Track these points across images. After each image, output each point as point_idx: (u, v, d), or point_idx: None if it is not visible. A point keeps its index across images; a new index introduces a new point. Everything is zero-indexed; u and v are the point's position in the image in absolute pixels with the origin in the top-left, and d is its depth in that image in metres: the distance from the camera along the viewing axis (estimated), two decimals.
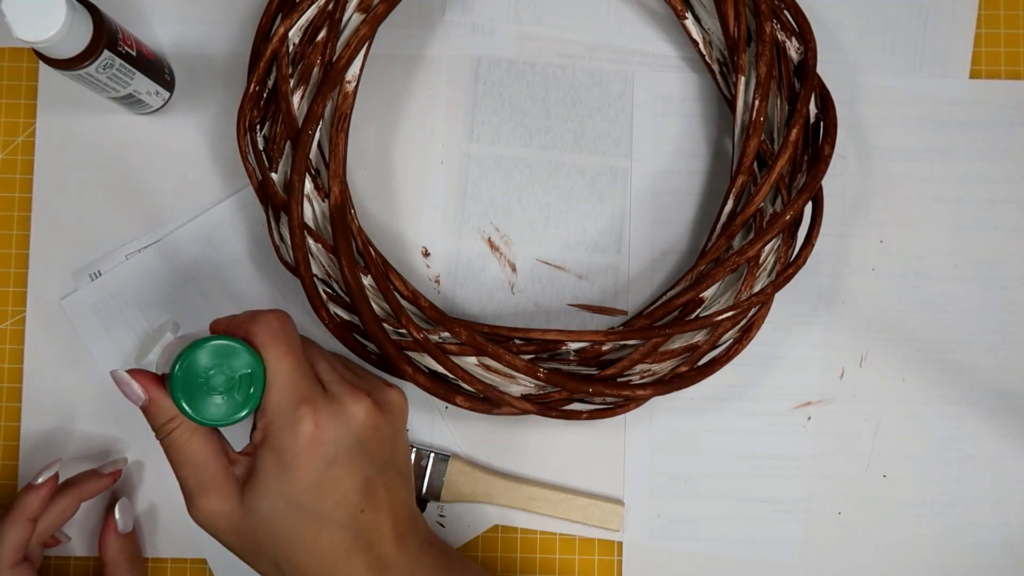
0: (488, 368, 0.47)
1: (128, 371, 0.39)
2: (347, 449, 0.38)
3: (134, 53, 0.47)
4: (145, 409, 0.39)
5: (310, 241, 0.48)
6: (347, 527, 0.39)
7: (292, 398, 0.38)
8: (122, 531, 0.49)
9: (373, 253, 0.49)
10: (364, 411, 0.39)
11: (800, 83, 0.48)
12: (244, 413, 0.38)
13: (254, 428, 0.39)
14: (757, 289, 0.48)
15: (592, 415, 0.48)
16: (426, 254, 0.53)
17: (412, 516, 0.42)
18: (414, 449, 0.49)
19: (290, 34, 0.47)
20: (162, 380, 0.39)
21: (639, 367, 0.48)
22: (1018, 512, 0.52)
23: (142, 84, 0.49)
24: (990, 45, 0.54)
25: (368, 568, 0.39)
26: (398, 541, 0.40)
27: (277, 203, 0.48)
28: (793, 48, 0.49)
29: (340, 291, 0.48)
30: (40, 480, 0.47)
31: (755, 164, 0.49)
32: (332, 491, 0.38)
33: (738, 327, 0.49)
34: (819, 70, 0.49)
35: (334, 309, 0.48)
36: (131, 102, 0.50)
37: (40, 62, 0.49)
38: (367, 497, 0.39)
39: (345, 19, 0.48)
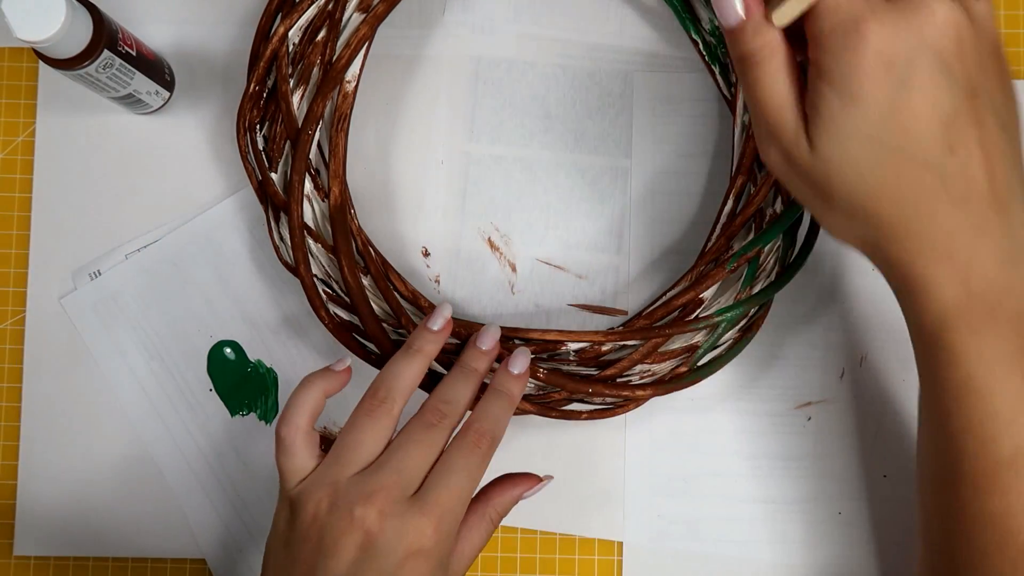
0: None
1: None
2: (924, 67, 0.31)
3: (134, 53, 0.47)
4: (736, 29, 0.33)
5: (310, 241, 0.48)
6: (933, 167, 0.32)
7: (851, 13, 0.31)
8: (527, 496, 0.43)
9: (373, 253, 0.49)
10: (944, 15, 0.31)
11: None
12: None
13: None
14: (757, 289, 0.48)
15: (592, 415, 0.48)
16: (426, 254, 0.53)
17: (1014, 178, 0.33)
18: None
19: (290, 34, 0.47)
20: None
21: (639, 367, 0.48)
22: None
23: (142, 84, 0.49)
24: None
25: (969, 226, 0.32)
26: (997, 206, 0.32)
27: (277, 203, 0.48)
28: None
29: (340, 291, 0.48)
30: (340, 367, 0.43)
31: (755, 164, 0.49)
32: (910, 121, 0.32)
33: (738, 327, 0.49)
34: None
35: (334, 309, 0.48)
36: (131, 102, 0.50)
37: (40, 62, 0.49)
38: (954, 132, 0.32)
39: (345, 19, 0.48)
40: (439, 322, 0.44)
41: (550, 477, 0.43)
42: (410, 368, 0.42)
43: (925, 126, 0.32)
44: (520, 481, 0.43)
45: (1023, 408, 0.34)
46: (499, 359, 0.45)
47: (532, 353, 0.48)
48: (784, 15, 0.33)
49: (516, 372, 0.43)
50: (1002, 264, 0.33)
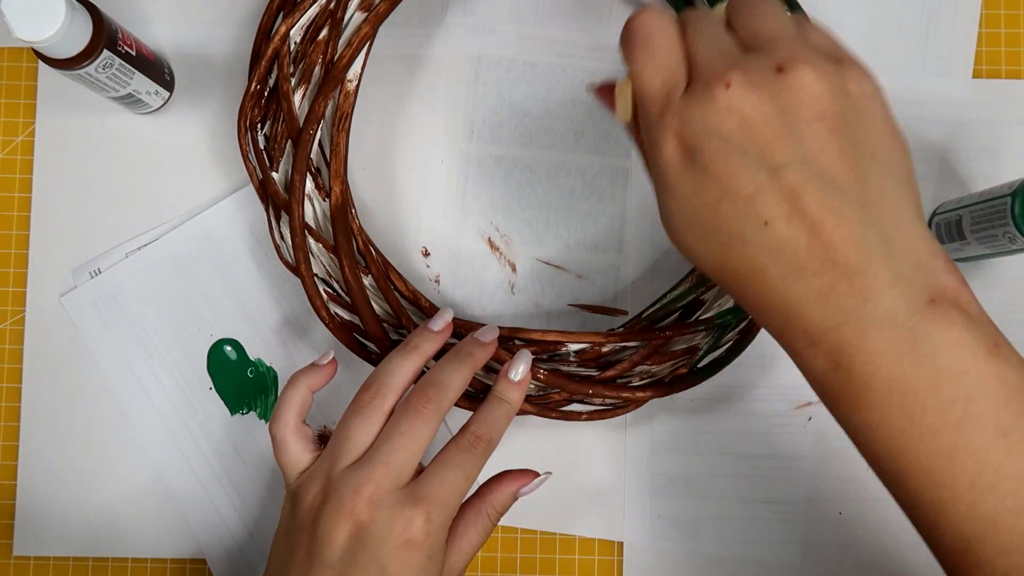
0: (488, 369, 0.47)
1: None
2: (711, 151, 0.31)
3: (134, 53, 0.47)
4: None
5: (311, 241, 0.48)
6: (753, 244, 0.31)
7: (656, 105, 0.32)
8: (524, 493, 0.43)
9: (373, 253, 0.49)
10: (727, 101, 0.30)
11: None
12: None
13: None
14: None
15: (592, 416, 0.48)
16: (426, 254, 0.53)
17: (865, 239, 0.30)
18: None
19: (292, 33, 0.47)
20: None
21: (639, 368, 0.48)
22: None
23: (142, 84, 0.49)
24: (991, 45, 0.54)
25: (814, 297, 0.30)
26: (841, 271, 0.30)
27: (278, 202, 0.48)
28: None
29: (341, 291, 0.48)
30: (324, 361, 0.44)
31: None
32: (715, 203, 0.31)
33: (738, 328, 0.49)
34: None
35: (334, 309, 0.48)
36: (131, 102, 0.50)
37: (40, 62, 0.49)
38: (761, 207, 0.30)
39: (347, 18, 0.48)
40: (439, 324, 0.44)
41: (548, 473, 0.44)
42: (404, 365, 0.42)
43: (730, 205, 0.31)
44: (518, 477, 0.43)
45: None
46: (500, 362, 0.45)
47: (532, 353, 0.48)
48: (623, 111, 0.35)
49: (516, 379, 0.44)
50: (864, 333, 0.30)
